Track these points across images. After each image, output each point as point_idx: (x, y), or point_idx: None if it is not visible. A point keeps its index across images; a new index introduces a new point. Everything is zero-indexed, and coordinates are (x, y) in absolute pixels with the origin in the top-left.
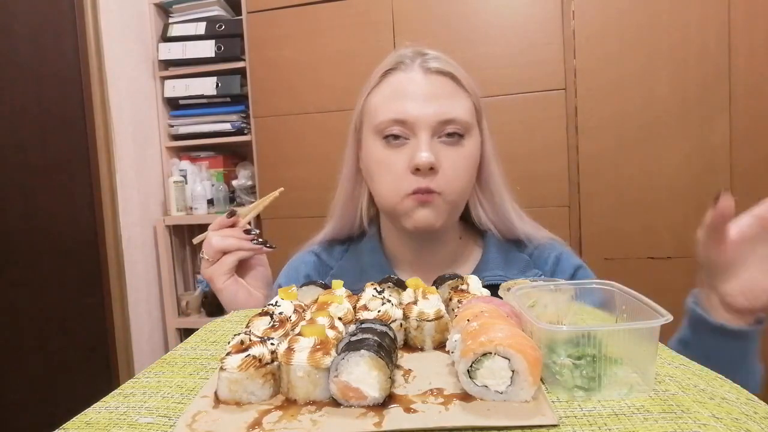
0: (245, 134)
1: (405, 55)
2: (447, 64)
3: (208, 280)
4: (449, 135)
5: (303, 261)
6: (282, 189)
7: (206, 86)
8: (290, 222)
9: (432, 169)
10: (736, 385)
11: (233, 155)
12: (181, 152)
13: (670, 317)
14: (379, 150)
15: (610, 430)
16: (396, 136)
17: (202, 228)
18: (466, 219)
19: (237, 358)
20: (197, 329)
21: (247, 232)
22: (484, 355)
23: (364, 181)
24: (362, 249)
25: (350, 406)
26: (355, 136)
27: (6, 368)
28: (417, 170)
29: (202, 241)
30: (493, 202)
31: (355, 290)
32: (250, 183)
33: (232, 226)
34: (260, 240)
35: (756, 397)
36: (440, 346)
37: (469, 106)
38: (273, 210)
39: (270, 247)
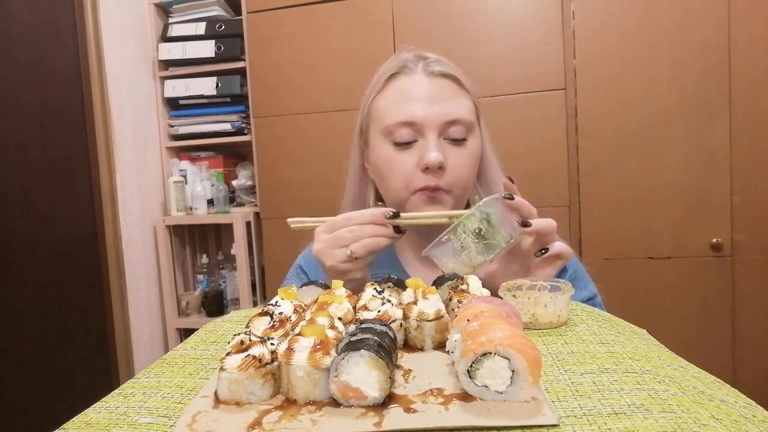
0: (245, 134)
1: (407, 59)
2: (449, 67)
3: (341, 273)
4: (454, 139)
5: None
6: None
7: (206, 86)
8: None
9: (440, 168)
10: (734, 389)
11: (233, 155)
12: (181, 152)
13: (497, 196)
14: (388, 151)
15: (610, 429)
16: (406, 143)
17: (203, 228)
18: None
19: (237, 358)
20: (197, 329)
21: (400, 231)
22: (484, 355)
23: (371, 181)
24: None
25: (350, 406)
26: (360, 139)
27: (6, 368)
28: (426, 169)
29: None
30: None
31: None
32: (250, 183)
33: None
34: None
35: (753, 402)
36: (440, 346)
37: (470, 106)
38: (273, 210)
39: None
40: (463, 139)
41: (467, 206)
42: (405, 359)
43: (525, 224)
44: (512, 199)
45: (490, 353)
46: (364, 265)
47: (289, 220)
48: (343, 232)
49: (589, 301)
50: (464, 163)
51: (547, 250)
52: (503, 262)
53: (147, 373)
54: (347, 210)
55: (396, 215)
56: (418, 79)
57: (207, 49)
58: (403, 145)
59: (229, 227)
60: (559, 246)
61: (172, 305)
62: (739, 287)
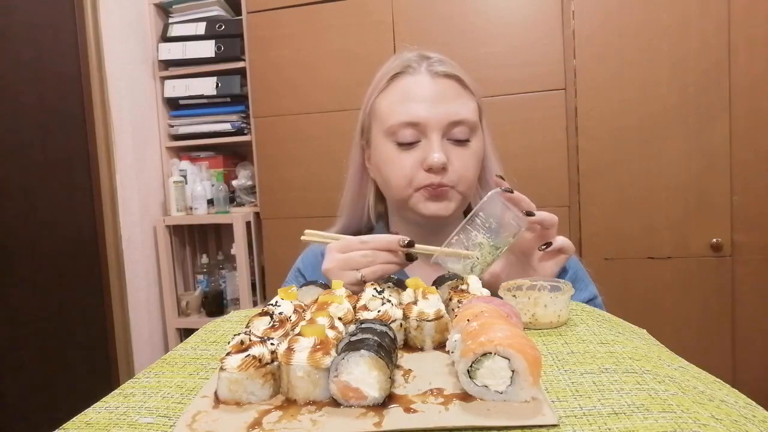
0: (245, 134)
1: (411, 59)
2: (452, 67)
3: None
4: (458, 139)
5: (321, 250)
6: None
7: (206, 86)
8: (290, 222)
9: (443, 168)
10: (734, 389)
11: (233, 155)
12: (181, 152)
13: (498, 190)
14: (391, 151)
15: (609, 429)
16: (409, 143)
17: (203, 228)
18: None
19: (237, 358)
20: (197, 329)
21: (411, 258)
22: (484, 355)
23: (371, 180)
24: None
25: (350, 406)
26: (362, 138)
27: (6, 368)
28: (430, 169)
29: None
30: None
31: None
32: (250, 183)
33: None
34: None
35: (753, 402)
36: (440, 346)
37: (474, 107)
38: (273, 210)
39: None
40: (467, 140)
41: (468, 210)
42: (405, 359)
43: (529, 213)
44: (512, 192)
45: (490, 353)
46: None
47: (306, 231)
48: (356, 256)
49: (590, 302)
50: (467, 163)
51: (550, 244)
52: (506, 261)
53: (147, 373)
54: (346, 208)
55: (410, 244)
56: (422, 79)
57: (207, 49)
58: (406, 145)
59: (229, 227)
60: (561, 240)
61: (172, 305)
62: (739, 287)
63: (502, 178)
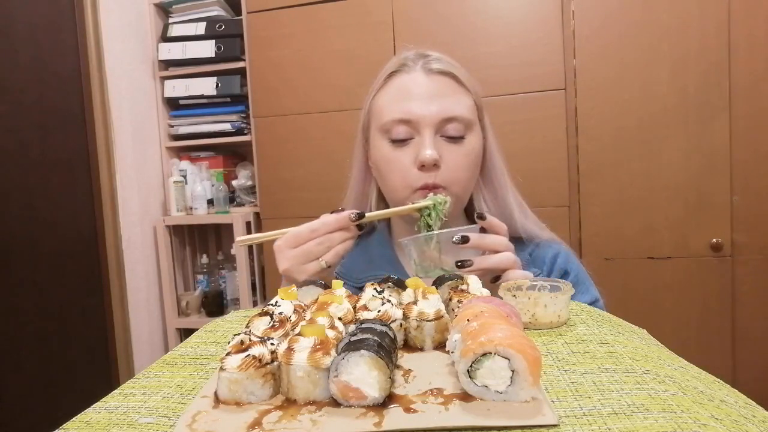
0: (245, 134)
1: (408, 58)
2: (448, 65)
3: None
4: (451, 136)
5: None
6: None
7: (206, 86)
8: (290, 222)
9: (436, 165)
10: (734, 389)
11: (233, 155)
12: (181, 152)
13: (476, 227)
14: (386, 148)
15: (609, 429)
16: (402, 140)
17: (203, 228)
18: (470, 215)
19: (237, 358)
20: (197, 329)
21: (361, 228)
22: (484, 355)
23: (373, 179)
24: (372, 242)
25: (350, 406)
26: (363, 136)
27: (6, 368)
28: (422, 166)
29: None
30: (495, 196)
31: (362, 279)
32: (250, 183)
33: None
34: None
35: (753, 402)
36: (440, 346)
37: (470, 104)
38: (273, 210)
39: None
40: (461, 137)
41: (468, 208)
42: (405, 359)
43: (462, 265)
44: (466, 242)
45: (490, 353)
46: (335, 269)
47: (237, 239)
48: (312, 246)
49: (591, 305)
50: (461, 161)
51: (499, 278)
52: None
53: (147, 373)
54: (348, 207)
55: (361, 216)
56: (417, 76)
57: (207, 49)
58: (400, 142)
59: (229, 227)
60: (512, 276)
61: (172, 305)
62: (739, 287)
63: (482, 218)
